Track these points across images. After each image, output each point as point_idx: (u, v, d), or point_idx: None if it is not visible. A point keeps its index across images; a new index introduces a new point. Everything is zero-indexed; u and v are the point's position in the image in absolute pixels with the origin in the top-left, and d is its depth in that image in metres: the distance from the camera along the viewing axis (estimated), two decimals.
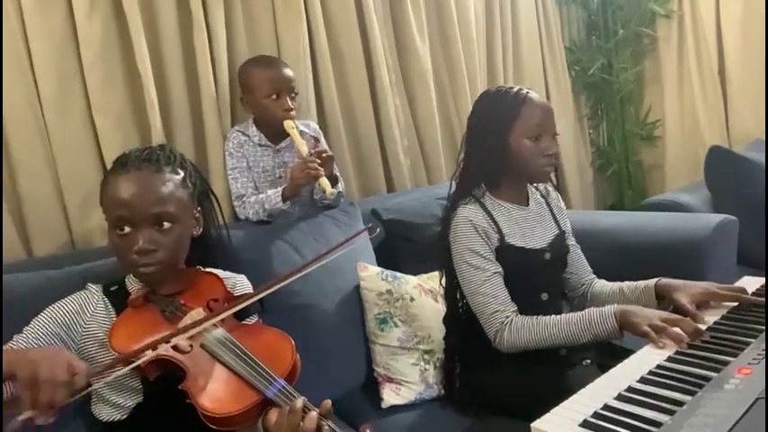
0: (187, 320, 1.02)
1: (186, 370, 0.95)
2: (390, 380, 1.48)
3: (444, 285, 1.42)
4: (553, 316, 1.25)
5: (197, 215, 1.17)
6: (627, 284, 1.39)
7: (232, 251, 1.35)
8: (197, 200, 1.17)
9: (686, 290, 1.22)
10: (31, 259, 1.45)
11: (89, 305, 1.09)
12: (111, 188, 1.06)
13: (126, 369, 0.93)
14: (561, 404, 0.86)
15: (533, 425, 0.82)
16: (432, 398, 1.48)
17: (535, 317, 1.25)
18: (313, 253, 1.51)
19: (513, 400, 1.25)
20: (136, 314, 1.06)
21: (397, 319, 1.52)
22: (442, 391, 1.47)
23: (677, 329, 1.04)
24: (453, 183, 1.41)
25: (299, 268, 1.10)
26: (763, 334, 0.98)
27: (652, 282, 1.32)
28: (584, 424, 0.80)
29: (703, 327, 1.07)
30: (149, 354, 0.93)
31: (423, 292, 1.56)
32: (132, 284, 1.14)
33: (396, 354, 1.50)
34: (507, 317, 1.26)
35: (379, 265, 1.63)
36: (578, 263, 1.49)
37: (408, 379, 1.48)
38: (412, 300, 1.53)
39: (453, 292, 1.40)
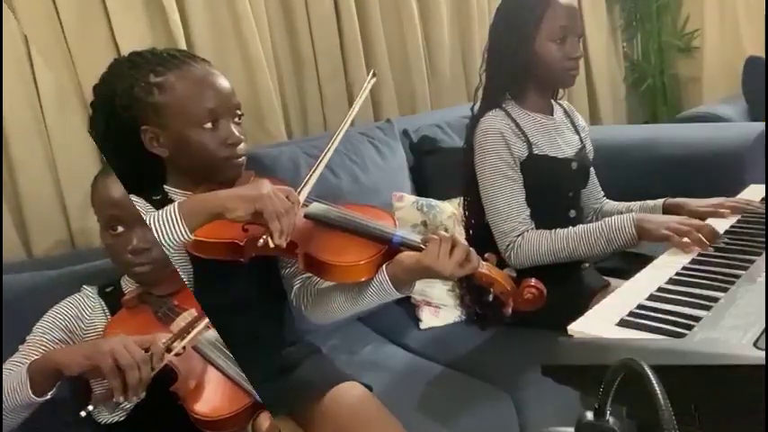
0: (180, 322, 1.01)
1: (178, 372, 0.94)
2: (428, 303, 1.51)
3: (465, 209, 1.42)
4: (570, 228, 1.24)
5: None
6: (636, 203, 1.41)
7: None
8: None
9: (694, 203, 1.25)
10: (31, 259, 1.44)
11: (86, 308, 1.09)
12: (102, 188, 1.06)
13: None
14: (593, 308, 0.86)
15: (570, 327, 0.81)
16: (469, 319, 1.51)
17: (551, 230, 1.25)
18: (348, 174, 1.51)
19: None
20: (129, 316, 1.05)
21: None
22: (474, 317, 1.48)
23: (699, 234, 1.04)
24: (477, 95, 1.38)
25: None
26: None
27: (660, 201, 1.35)
28: (621, 323, 0.79)
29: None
30: None
31: (456, 222, 1.57)
32: (127, 285, 1.13)
33: (431, 281, 1.51)
34: (524, 230, 1.25)
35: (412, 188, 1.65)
36: (593, 182, 1.49)
37: (445, 303, 1.51)
38: (446, 230, 1.52)
39: (475, 211, 1.38)
